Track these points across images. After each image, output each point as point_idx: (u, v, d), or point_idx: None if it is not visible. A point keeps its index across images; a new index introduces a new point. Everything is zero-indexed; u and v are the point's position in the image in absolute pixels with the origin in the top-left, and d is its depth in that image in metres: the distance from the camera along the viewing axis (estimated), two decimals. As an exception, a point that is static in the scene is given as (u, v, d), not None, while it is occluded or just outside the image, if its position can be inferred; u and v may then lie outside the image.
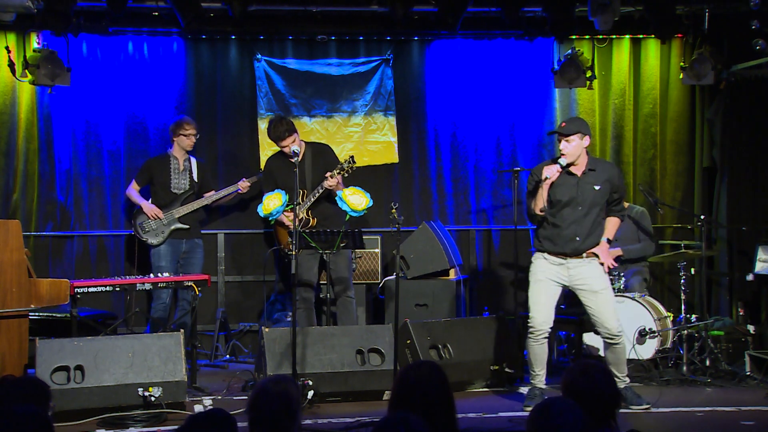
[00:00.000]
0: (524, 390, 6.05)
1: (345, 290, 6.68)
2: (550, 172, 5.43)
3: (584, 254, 5.56)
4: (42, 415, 2.76)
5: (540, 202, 5.46)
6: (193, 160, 7.26)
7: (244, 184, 7.35)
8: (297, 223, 5.65)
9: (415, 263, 7.16)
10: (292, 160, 6.20)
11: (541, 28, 7.49)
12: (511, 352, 6.39)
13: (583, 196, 5.53)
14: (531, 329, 5.60)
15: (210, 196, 7.26)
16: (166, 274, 6.51)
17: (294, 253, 5.47)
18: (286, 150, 6.56)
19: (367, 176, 7.54)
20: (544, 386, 5.67)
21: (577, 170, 5.56)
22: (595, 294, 5.55)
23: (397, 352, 5.79)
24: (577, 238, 5.53)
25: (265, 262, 7.52)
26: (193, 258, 7.17)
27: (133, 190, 7.20)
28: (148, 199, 7.20)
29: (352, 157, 6.51)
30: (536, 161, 7.87)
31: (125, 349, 5.42)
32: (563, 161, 5.47)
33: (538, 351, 5.63)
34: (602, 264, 5.58)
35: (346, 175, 6.51)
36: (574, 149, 5.48)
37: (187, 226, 7.12)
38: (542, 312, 5.57)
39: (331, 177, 6.41)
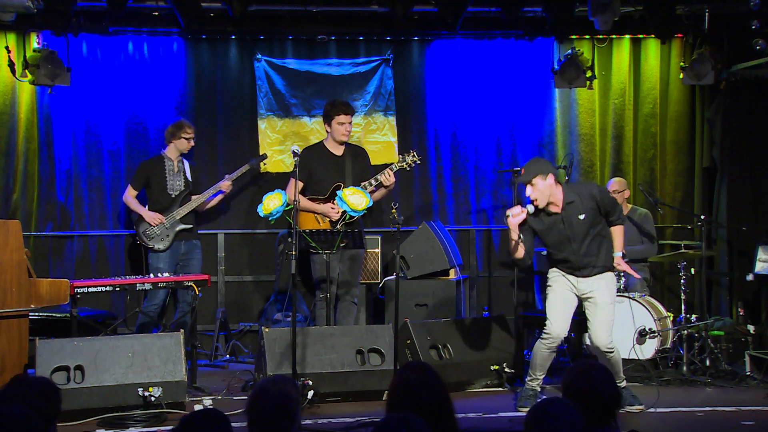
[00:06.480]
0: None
1: (349, 294, 6.68)
2: (514, 212, 5.40)
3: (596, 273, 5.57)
4: (33, 417, 2.69)
5: (518, 250, 5.45)
6: (185, 161, 7.17)
7: (225, 184, 7.19)
8: (339, 217, 5.70)
9: (415, 263, 7.16)
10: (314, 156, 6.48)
11: (541, 28, 7.50)
12: (511, 352, 6.39)
13: (573, 231, 5.47)
14: (547, 337, 5.55)
15: (196, 198, 7.10)
16: (166, 274, 6.49)
17: (294, 253, 5.49)
18: (344, 129, 6.64)
19: (367, 176, 7.54)
20: (539, 388, 5.68)
21: (556, 208, 5.48)
22: (596, 306, 5.51)
23: (397, 352, 5.79)
24: (588, 263, 5.52)
25: (277, 258, 7.49)
26: (192, 259, 7.11)
27: (130, 197, 7.04)
28: (144, 204, 7.06)
29: (415, 151, 6.67)
30: (536, 161, 7.88)
31: (125, 349, 5.42)
32: (531, 208, 5.42)
33: (548, 357, 5.64)
34: (637, 277, 5.95)
35: (408, 169, 6.65)
36: (541, 192, 5.41)
37: (190, 226, 7.04)
38: (559, 322, 5.54)
39: (392, 171, 6.55)
